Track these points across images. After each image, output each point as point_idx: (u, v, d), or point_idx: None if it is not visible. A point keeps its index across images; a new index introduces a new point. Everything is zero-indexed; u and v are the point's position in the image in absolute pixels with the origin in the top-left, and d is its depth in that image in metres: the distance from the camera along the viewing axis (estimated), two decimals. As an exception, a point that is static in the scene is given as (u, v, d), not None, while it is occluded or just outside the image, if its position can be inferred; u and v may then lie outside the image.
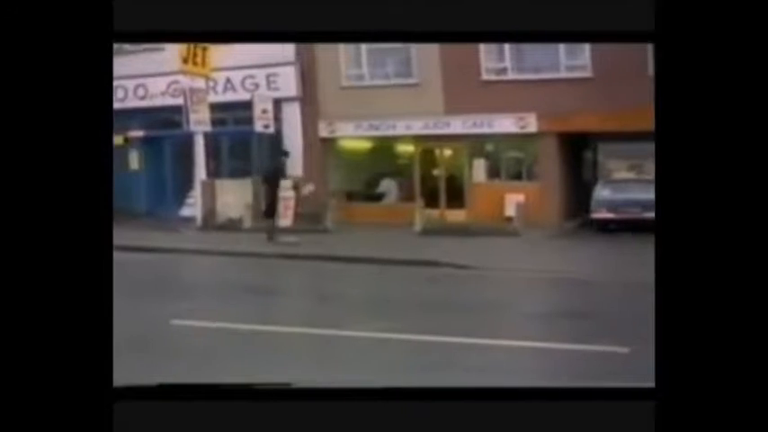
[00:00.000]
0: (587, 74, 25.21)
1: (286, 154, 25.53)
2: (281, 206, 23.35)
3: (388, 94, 27.28)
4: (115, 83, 21.30)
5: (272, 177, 23.05)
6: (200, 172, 25.65)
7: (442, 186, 28.21)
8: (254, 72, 27.70)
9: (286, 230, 23.14)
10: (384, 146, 29.19)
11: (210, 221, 25.37)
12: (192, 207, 26.09)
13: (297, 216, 25.80)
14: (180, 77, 24.97)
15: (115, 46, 3.59)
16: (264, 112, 26.01)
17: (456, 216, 27.35)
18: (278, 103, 27.19)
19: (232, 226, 24.88)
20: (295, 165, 27.99)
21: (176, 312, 10.82)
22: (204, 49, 24.61)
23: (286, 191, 25.94)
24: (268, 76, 27.79)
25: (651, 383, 3.31)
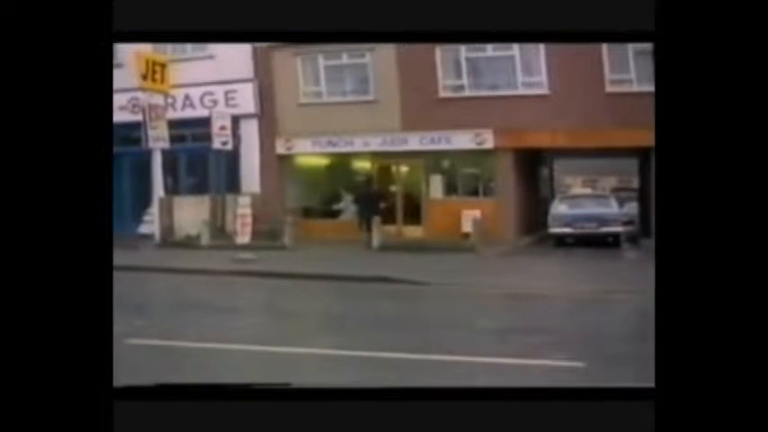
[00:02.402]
0: (544, 91, 25.38)
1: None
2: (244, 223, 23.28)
3: (345, 111, 27.31)
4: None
5: (372, 197, 25.49)
6: (159, 189, 25.47)
7: (400, 203, 28.27)
8: (213, 89, 27.66)
9: (243, 247, 23.02)
10: (341, 162, 29.20)
11: (168, 238, 25.17)
12: (151, 224, 25.84)
13: (254, 233, 25.71)
14: (139, 94, 24.83)
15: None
16: (223, 128, 25.98)
17: (413, 232, 27.43)
18: (236, 119, 27.17)
19: (190, 243, 24.71)
20: (252, 182, 27.94)
21: (131, 331, 10.63)
22: (163, 66, 24.52)
23: (244, 208, 25.91)
24: (227, 93, 27.73)
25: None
